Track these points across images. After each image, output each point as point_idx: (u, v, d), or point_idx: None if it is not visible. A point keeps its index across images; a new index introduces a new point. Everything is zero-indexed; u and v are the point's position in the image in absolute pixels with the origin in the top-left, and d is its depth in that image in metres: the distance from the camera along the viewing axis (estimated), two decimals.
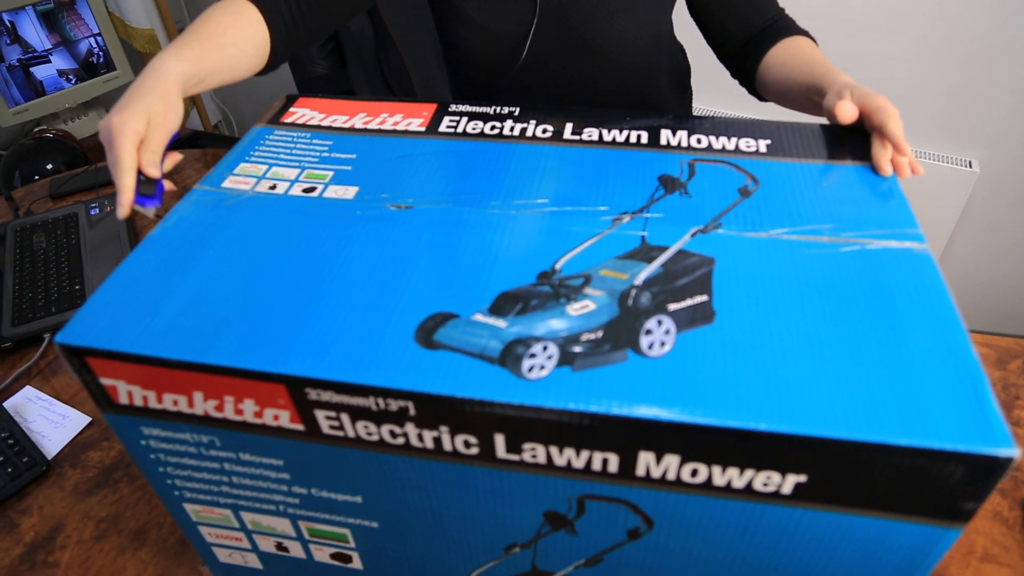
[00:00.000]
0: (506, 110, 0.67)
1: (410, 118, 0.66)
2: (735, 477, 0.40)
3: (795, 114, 0.77)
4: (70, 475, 0.79)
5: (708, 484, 0.41)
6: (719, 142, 0.61)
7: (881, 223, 0.52)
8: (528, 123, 0.64)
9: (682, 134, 0.62)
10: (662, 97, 0.98)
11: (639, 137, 0.62)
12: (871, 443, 0.37)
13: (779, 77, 0.79)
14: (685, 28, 0.95)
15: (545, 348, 0.42)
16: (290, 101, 0.70)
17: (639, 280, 0.47)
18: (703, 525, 0.44)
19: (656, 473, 0.41)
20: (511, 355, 0.42)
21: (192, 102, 2.43)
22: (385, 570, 0.57)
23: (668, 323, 0.44)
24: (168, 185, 0.60)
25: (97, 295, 0.48)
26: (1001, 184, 1.65)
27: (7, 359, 0.95)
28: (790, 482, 0.40)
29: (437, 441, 0.43)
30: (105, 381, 0.46)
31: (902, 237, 0.50)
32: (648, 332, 0.43)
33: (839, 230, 0.51)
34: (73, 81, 2.11)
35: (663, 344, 0.42)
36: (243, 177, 0.59)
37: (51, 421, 0.85)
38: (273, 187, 0.58)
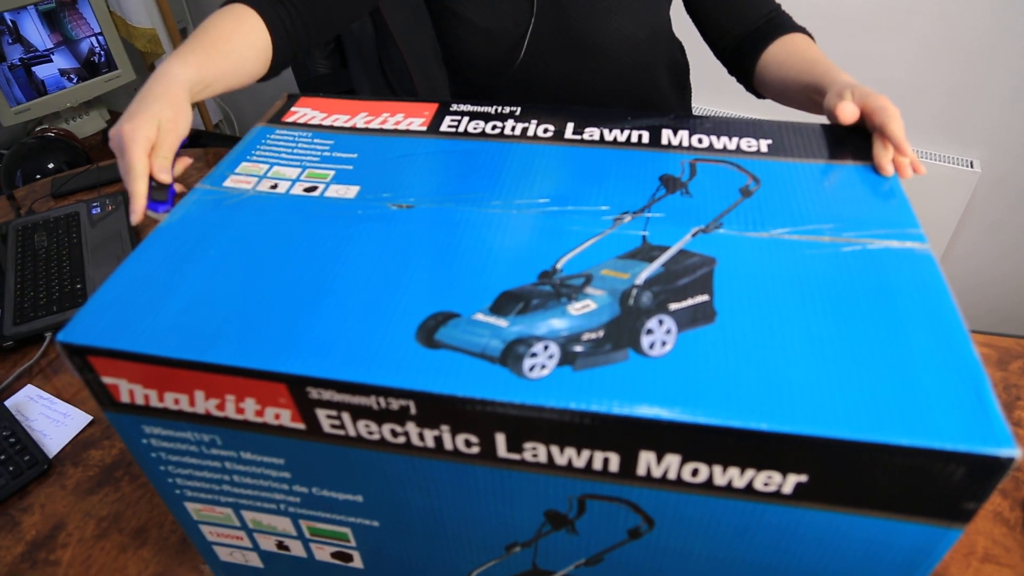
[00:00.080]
0: (507, 110, 0.67)
1: (411, 118, 0.66)
2: (736, 477, 0.40)
3: (795, 113, 0.77)
4: (71, 474, 0.79)
5: (709, 484, 0.41)
6: (720, 142, 0.61)
7: (882, 223, 0.52)
8: (529, 123, 0.64)
9: (683, 134, 0.62)
10: (661, 95, 0.98)
11: (640, 137, 0.62)
12: (872, 443, 0.37)
13: (778, 76, 0.79)
14: (684, 25, 0.95)
15: (546, 347, 0.42)
16: (291, 100, 0.70)
17: (640, 280, 0.47)
18: (704, 525, 0.44)
19: (657, 473, 0.41)
20: (512, 354, 0.42)
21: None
22: (386, 569, 0.57)
23: (669, 323, 0.44)
24: (179, 188, 0.61)
25: (99, 294, 0.48)
26: (1002, 184, 1.65)
27: (8, 358, 0.95)
28: (791, 482, 0.40)
29: (438, 440, 0.43)
30: (107, 380, 0.46)
31: (903, 237, 0.50)
32: (649, 332, 0.43)
33: (840, 230, 0.51)
34: (75, 80, 2.12)
35: (664, 344, 0.42)
36: (244, 176, 0.59)
37: (52, 420, 0.85)
38: (274, 186, 0.58)
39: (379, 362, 0.42)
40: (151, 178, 0.58)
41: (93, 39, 2.12)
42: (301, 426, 0.45)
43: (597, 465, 0.42)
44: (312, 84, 1.89)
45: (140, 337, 0.44)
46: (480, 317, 0.44)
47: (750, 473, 0.40)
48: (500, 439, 0.42)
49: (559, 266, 0.48)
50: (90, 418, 0.86)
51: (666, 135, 0.62)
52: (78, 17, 2.06)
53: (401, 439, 0.44)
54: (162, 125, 0.59)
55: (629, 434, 0.40)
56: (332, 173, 0.59)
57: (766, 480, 0.40)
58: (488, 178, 0.58)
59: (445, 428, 0.42)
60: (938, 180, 1.64)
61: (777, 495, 0.41)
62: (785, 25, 0.82)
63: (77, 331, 0.45)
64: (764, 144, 0.61)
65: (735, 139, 0.61)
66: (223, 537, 0.58)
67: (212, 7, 0.72)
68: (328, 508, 0.52)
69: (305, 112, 0.68)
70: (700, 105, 1.80)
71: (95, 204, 1.22)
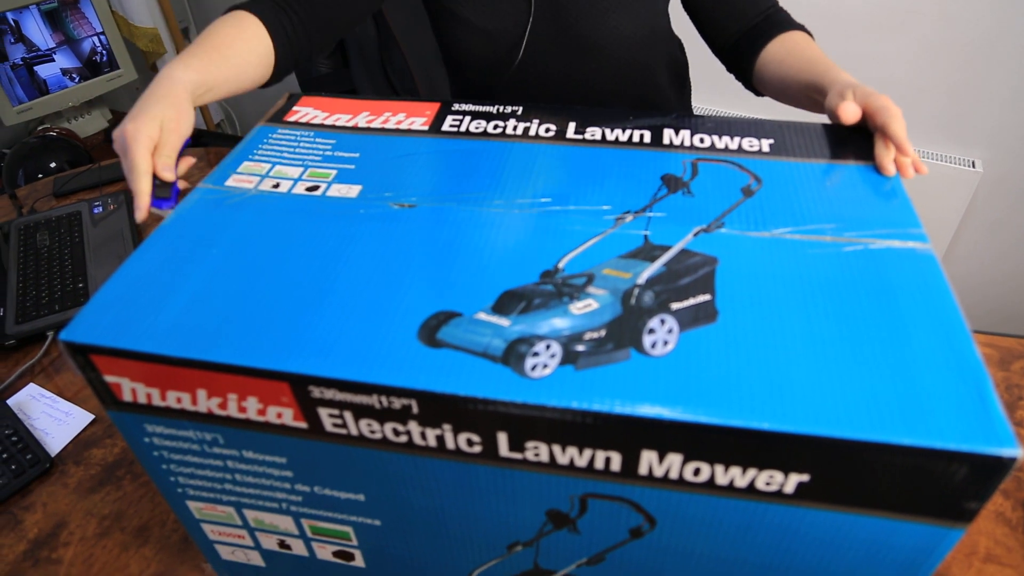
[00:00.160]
0: (509, 109, 0.67)
1: (413, 117, 0.66)
2: (738, 476, 0.40)
3: (796, 112, 0.77)
4: (73, 472, 0.80)
5: (711, 483, 0.41)
6: (722, 141, 0.61)
7: (884, 223, 0.52)
8: (531, 122, 0.64)
9: (685, 133, 0.62)
10: (661, 93, 0.98)
11: (642, 136, 0.62)
12: (874, 443, 0.37)
13: (777, 74, 0.79)
14: (683, 23, 0.94)
15: (548, 347, 0.42)
16: (293, 100, 0.70)
17: (642, 279, 0.47)
18: (705, 524, 0.44)
19: (659, 472, 0.41)
20: (514, 353, 0.42)
21: None
22: (387, 568, 0.57)
23: (671, 322, 0.44)
24: (183, 185, 0.62)
25: (101, 293, 0.48)
26: (1004, 184, 1.65)
27: (11, 357, 0.95)
28: (792, 481, 0.40)
29: (440, 439, 0.43)
30: (109, 378, 0.46)
31: (905, 237, 0.50)
32: (651, 331, 0.43)
33: (842, 230, 0.51)
34: (76, 80, 2.12)
35: (666, 343, 0.43)
36: (246, 176, 0.59)
37: (54, 418, 0.86)
38: (276, 185, 0.58)
39: (381, 361, 0.42)
40: (155, 176, 0.59)
41: (95, 38, 2.12)
42: (303, 425, 0.45)
43: (599, 464, 0.42)
44: (314, 84, 1.89)
45: (142, 336, 0.45)
46: (482, 316, 0.45)
47: (752, 472, 0.40)
48: (502, 438, 0.42)
49: (561, 265, 0.48)
50: (92, 417, 0.86)
51: (668, 135, 0.62)
52: (80, 16, 2.07)
53: (403, 438, 0.44)
54: (164, 125, 0.60)
55: (631, 433, 0.40)
56: (334, 172, 0.59)
57: (768, 480, 0.40)
58: (490, 177, 0.58)
59: (447, 427, 0.42)
60: (940, 180, 1.64)
61: (779, 495, 0.41)
62: (784, 23, 0.82)
63: (80, 330, 0.45)
64: (766, 144, 0.61)
65: (737, 139, 0.61)
66: (225, 536, 0.58)
67: (214, 6, 0.73)
68: (330, 507, 0.52)
69: (307, 111, 0.68)
70: (700, 104, 1.80)
71: (97, 203, 1.22)
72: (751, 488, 0.41)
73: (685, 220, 0.52)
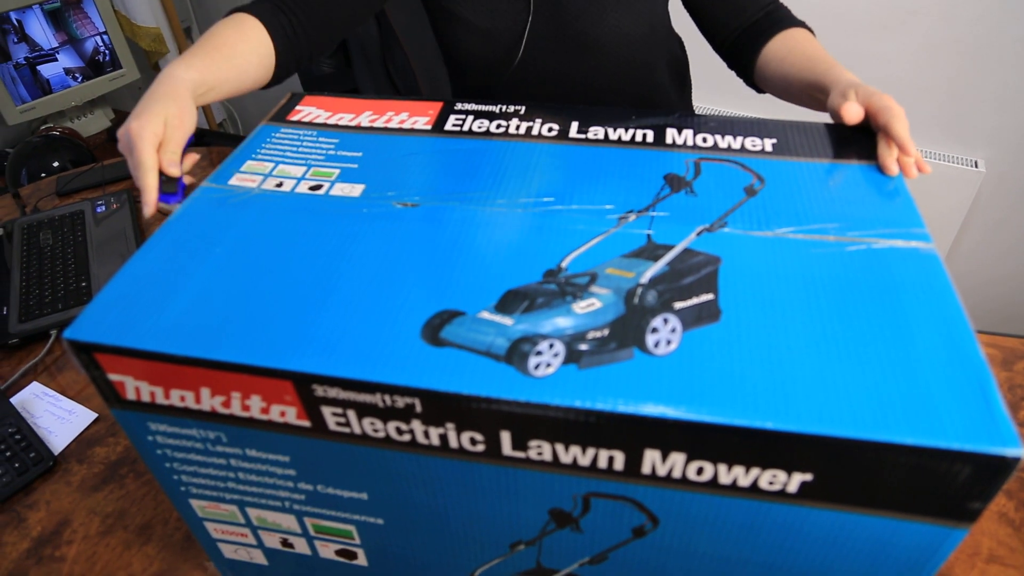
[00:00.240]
0: (512, 109, 0.67)
1: (416, 116, 0.66)
2: (741, 475, 0.40)
3: (798, 111, 0.77)
4: (76, 470, 0.80)
5: (714, 482, 0.41)
6: (725, 141, 0.61)
7: (887, 222, 0.52)
8: (534, 121, 0.64)
9: (688, 133, 0.62)
10: (661, 91, 0.98)
11: (645, 136, 0.62)
12: (877, 442, 0.37)
13: (779, 72, 0.79)
14: (684, 21, 0.94)
15: (551, 346, 0.42)
16: (296, 99, 0.70)
17: (645, 278, 0.47)
18: (708, 523, 0.44)
19: (662, 471, 0.41)
20: (517, 352, 0.42)
21: None
22: (390, 567, 0.57)
23: (674, 321, 0.44)
24: (188, 179, 0.62)
25: (105, 291, 0.48)
26: (1007, 184, 1.65)
27: (14, 355, 0.95)
28: (796, 481, 0.40)
29: (443, 438, 0.43)
30: (113, 377, 0.46)
31: (908, 236, 0.50)
32: (654, 330, 0.43)
33: (845, 229, 0.51)
34: (79, 79, 2.12)
35: (669, 342, 0.43)
36: (249, 175, 0.59)
37: (58, 417, 0.86)
38: (279, 184, 0.58)
39: (385, 360, 0.42)
40: (161, 172, 0.60)
41: (98, 38, 2.12)
42: (306, 423, 0.45)
43: (602, 463, 0.42)
44: (316, 83, 1.90)
45: (146, 334, 0.45)
46: (485, 315, 0.45)
47: (755, 472, 0.40)
48: (505, 437, 0.42)
49: (564, 265, 0.48)
50: (95, 415, 0.86)
51: (671, 134, 0.62)
52: (83, 16, 2.07)
53: (406, 437, 0.44)
54: (168, 121, 0.61)
55: (634, 432, 0.40)
56: (337, 171, 0.59)
57: (771, 479, 0.40)
58: (492, 177, 0.58)
59: (450, 426, 0.42)
60: (942, 180, 1.63)
61: (782, 494, 0.41)
62: (785, 19, 0.82)
63: (84, 328, 0.45)
64: (769, 143, 0.60)
65: (740, 138, 0.61)
66: (228, 534, 0.59)
67: (216, 6, 0.73)
68: (333, 506, 0.52)
69: (310, 111, 0.68)
70: (701, 103, 1.80)
71: (100, 202, 1.22)
72: (754, 487, 0.41)
73: (688, 219, 0.52)
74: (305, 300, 0.46)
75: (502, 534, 0.50)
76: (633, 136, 0.62)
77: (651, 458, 0.41)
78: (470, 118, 0.65)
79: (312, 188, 0.57)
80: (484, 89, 0.95)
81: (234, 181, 0.59)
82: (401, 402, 0.42)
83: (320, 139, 0.64)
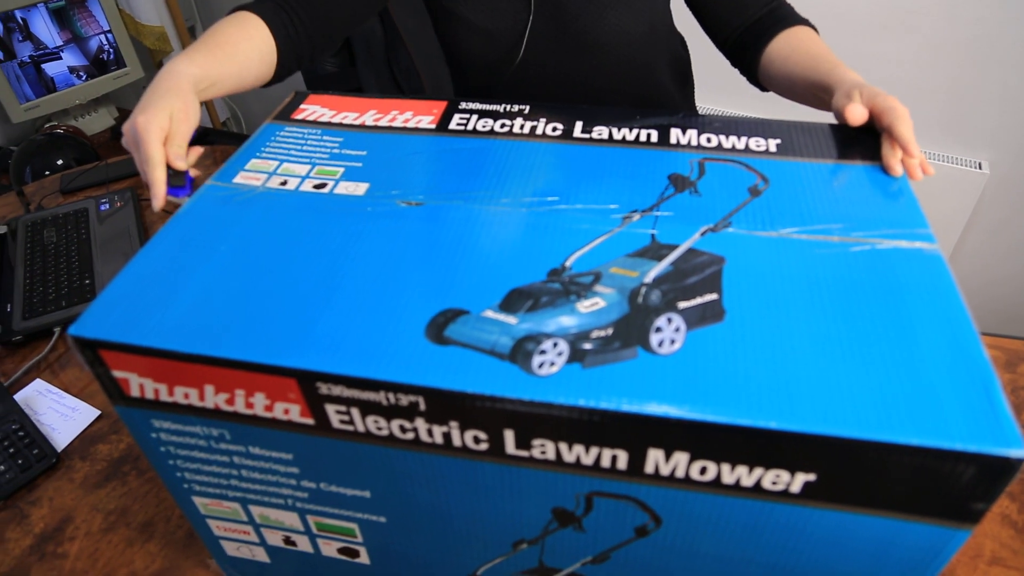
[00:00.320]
0: (516, 108, 0.67)
1: (420, 115, 0.66)
2: (744, 475, 0.40)
3: (802, 110, 0.77)
4: (79, 467, 0.80)
5: (717, 482, 0.41)
6: (729, 141, 0.61)
7: (891, 223, 0.52)
8: (538, 121, 0.65)
9: (692, 133, 0.62)
10: (663, 91, 0.98)
11: (649, 136, 0.62)
12: (881, 442, 0.37)
13: (783, 71, 0.79)
14: (686, 20, 0.94)
15: (555, 345, 0.42)
16: (300, 98, 0.71)
17: (649, 278, 0.47)
18: (711, 523, 0.44)
19: (665, 470, 0.41)
20: (521, 351, 0.42)
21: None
22: (392, 565, 0.57)
23: (678, 321, 0.44)
24: (195, 172, 0.63)
25: (110, 288, 0.48)
26: (1011, 186, 1.65)
27: (18, 352, 0.96)
28: (799, 481, 0.40)
29: (447, 436, 0.43)
30: (117, 374, 0.47)
31: (912, 237, 0.50)
32: (658, 330, 0.43)
33: (849, 230, 0.51)
34: (84, 78, 2.13)
35: (673, 342, 0.43)
36: (254, 173, 0.59)
37: (61, 414, 0.86)
38: (284, 183, 0.58)
39: (389, 358, 0.42)
40: (168, 167, 0.60)
41: (102, 37, 2.12)
42: (310, 421, 0.45)
43: (605, 462, 0.42)
44: (320, 82, 1.90)
45: (151, 331, 0.45)
46: (489, 314, 0.45)
47: (758, 472, 0.40)
48: (509, 436, 0.42)
49: (568, 264, 0.49)
50: (98, 412, 0.86)
51: (675, 134, 0.62)
52: (87, 15, 2.07)
53: (410, 435, 0.44)
54: (174, 115, 0.61)
55: (638, 432, 0.40)
56: (341, 170, 0.59)
57: (774, 479, 0.40)
58: (497, 176, 0.58)
59: (454, 424, 0.42)
60: (946, 181, 1.63)
61: (785, 494, 0.41)
62: (788, 17, 0.81)
63: (88, 325, 0.45)
64: (773, 144, 0.60)
65: (744, 138, 0.61)
66: (230, 532, 0.59)
67: (220, 5, 0.73)
68: (336, 504, 0.52)
69: (314, 109, 0.68)
70: (704, 103, 1.80)
71: (104, 200, 1.22)
72: (757, 487, 0.41)
73: (692, 219, 0.52)
74: (309, 298, 0.47)
75: (505, 533, 0.50)
76: (637, 136, 0.62)
77: (654, 457, 0.41)
78: (474, 117, 0.65)
79: (316, 187, 0.57)
80: (485, 89, 0.96)
81: (239, 179, 0.59)
82: (405, 400, 0.42)
83: (324, 138, 0.64)
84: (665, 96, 0.98)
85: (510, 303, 0.45)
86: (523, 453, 0.43)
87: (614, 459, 0.42)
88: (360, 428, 0.45)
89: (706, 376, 0.40)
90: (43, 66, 2.03)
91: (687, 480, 0.42)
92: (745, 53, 0.84)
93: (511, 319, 0.44)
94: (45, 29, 2.00)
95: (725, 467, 0.40)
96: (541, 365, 0.41)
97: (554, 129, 0.63)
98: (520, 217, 0.53)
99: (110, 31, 2.13)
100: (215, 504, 0.56)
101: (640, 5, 0.86)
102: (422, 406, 0.42)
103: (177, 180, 0.60)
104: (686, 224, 0.52)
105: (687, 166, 0.58)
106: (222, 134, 2.36)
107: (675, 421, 0.39)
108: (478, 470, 0.45)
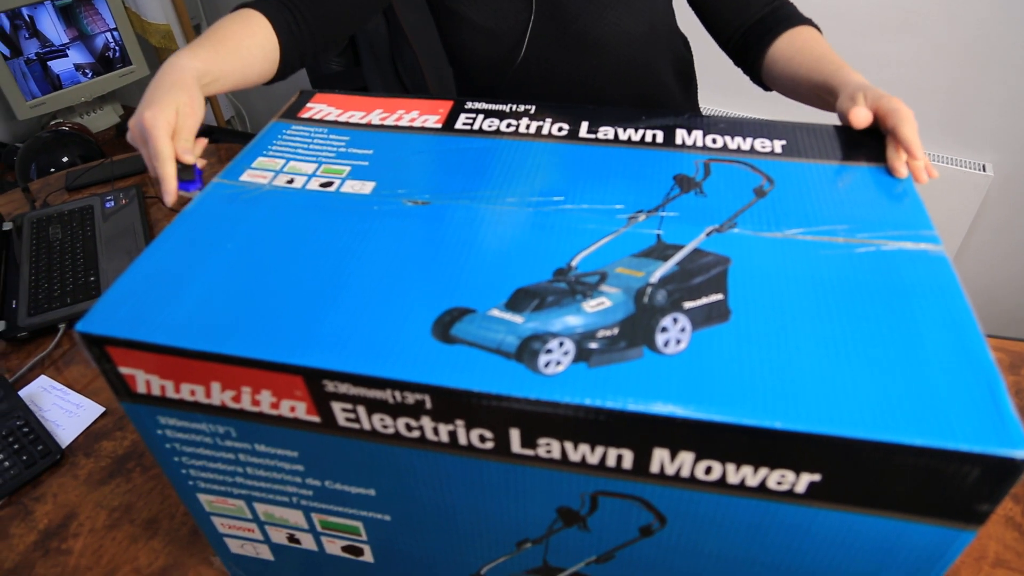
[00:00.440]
0: (522, 108, 0.67)
1: (426, 115, 0.66)
2: (749, 475, 0.40)
3: (806, 111, 0.77)
4: (84, 464, 0.80)
5: (722, 482, 0.41)
6: (734, 142, 0.61)
7: (896, 224, 0.52)
8: (544, 121, 0.65)
9: (697, 134, 0.62)
10: (665, 90, 0.98)
11: (654, 136, 0.62)
12: (886, 443, 0.37)
13: (787, 72, 0.79)
14: (690, 20, 0.94)
15: (561, 344, 0.42)
16: (307, 96, 0.71)
17: (655, 278, 0.47)
18: (716, 523, 0.44)
19: (670, 470, 0.42)
20: (527, 350, 0.42)
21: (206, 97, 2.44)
22: (396, 563, 0.57)
23: (683, 321, 0.44)
24: (201, 163, 0.63)
25: (117, 285, 0.48)
26: (1015, 188, 1.64)
27: (23, 348, 0.96)
28: (804, 481, 0.40)
29: (452, 435, 0.44)
30: (124, 370, 0.47)
31: (917, 239, 0.50)
32: (663, 330, 0.43)
33: (854, 231, 0.51)
34: (89, 75, 2.13)
35: (678, 342, 0.43)
36: (261, 171, 0.60)
37: (65, 410, 0.86)
38: (291, 181, 0.58)
39: (395, 356, 0.42)
40: (176, 161, 0.60)
41: (108, 34, 2.13)
42: (316, 419, 0.46)
43: (611, 462, 0.42)
44: (325, 82, 1.90)
45: (158, 328, 0.45)
46: (496, 313, 0.45)
47: (763, 472, 0.40)
48: (514, 435, 0.42)
49: (574, 263, 0.49)
50: (102, 409, 0.86)
51: (680, 135, 0.62)
52: (94, 13, 2.08)
53: (416, 433, 0.44)
54: (180, 110, 0.61)
55: (643, 431, 0.40)
56: (348, 169, 0.59)
57: (779, 479, 0.40)
58: (503, 175, 0.58)
59: (460, 423, 0.43)
60: (950, 183, 1.63)
61: (790, 494, 0.41)
62: (791, 17, 0.81)
63: (96, 321, 0.45)
64: (778, 145, 0.61)
65: (749, 139, 0.61)
66: (235, 529, 0.59)
67: (225, 3, 0.74)
68: (340, 502, 0.52)
69: (321, 108, 0.68)
70: (708, 104, 1.80)
71: (109, 197, 1.23)
72: (762, 487, 0.41)
73: (698, 220, 0.52)
74: (316, 296, 0.47)
75: (509, 532, 0.50)
76: (643, 136, 0.62)
77: (660, 457, 0.41)
78: (480, 117, 0.66)
79: (323, 185, 0.58)
80: (488, 88, 0.96)
81: (245, 177, 0.59)
82: (411, 398, 0.42)
83: (331, 136, 0.64)
84: (667, 96, 0.98)
85: (516, 302, 0.45)
86: (528, 452, 0.43)
87: (619, 458, 0.42)
88: (366, 426, 0.45)
89: (711, 376, 0.40)
90: (49, 63, 2.03)
91: (692, 480, 0.42)
92: (748, 53, 0.84)
93: (517, 318, 0.44)
94: (52, 26, 2.01)
95: (730, 467, 0.40)
96: (547, 364, 0.41)
97: (560, 129, 0.64)
98: (526, 217, 0.53)
99: (116, 29, 2.13)
100: (220, 501, 0.56)
101: (640, 5, 0.87)
102: (428, 404, 0.42)
103: (186, 174, 0.60)
104: (692, 224, 0.52)
105: (692, 167, 0.58)
106: (226, 132, 2.36)
107: (680, 421, 0.39)
108: (483, 469, 0.45)
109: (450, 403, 0.42)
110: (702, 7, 0.89)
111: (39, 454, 0.80)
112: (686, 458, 0.41)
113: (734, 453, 0.40)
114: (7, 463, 0.79)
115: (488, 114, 0.66)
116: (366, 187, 0.57)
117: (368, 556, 0.57)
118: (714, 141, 0.61)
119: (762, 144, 0.61)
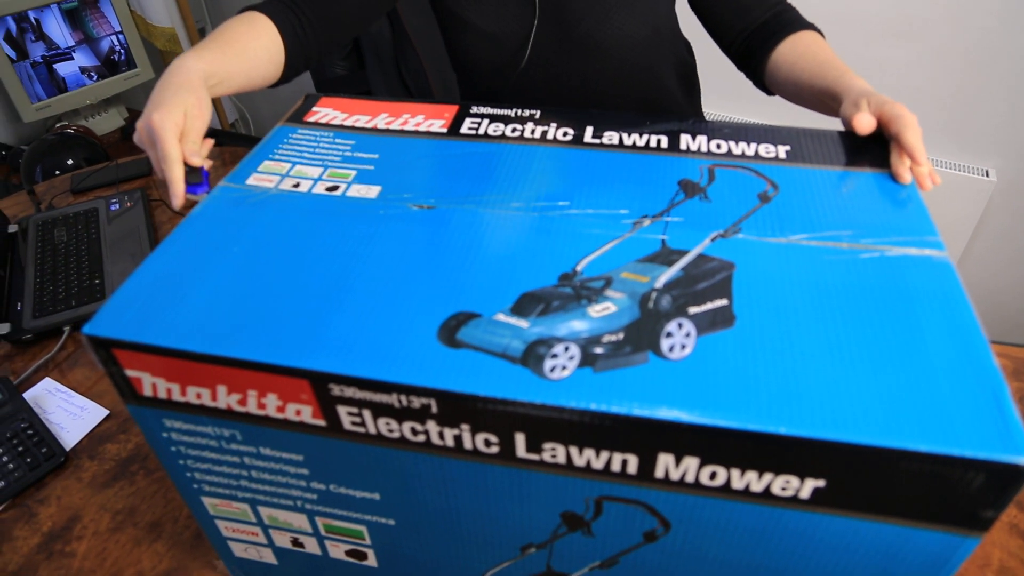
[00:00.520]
0: (527, 113, 0.67)
1: (432, 119, 0.67)
2: (753, 481, 0.40)
3: (810, 116, 0.77)
4: (87, 467, 0.80)
5: (726, 487, 0.41)
6: (739, 147, 0.61)
7: (900, 230, 0.52)
8: (549, 126, 0.65)
9: (702, 139, 0.63)
10: (668, 95, 0.98)
11: (659, 141, 0.62)
12: (890, 449, 0.37)
13: (790, 77, 0.79)
14: (693, 25, 0.94)
15: (567, 349, 0.43)
16: (312, 100, 0.71)
17: (659, 283, 0.47)
18: (720, 528, 0.44)
19: (675, 475, 0.42)
20: (533, 355, 0.42)
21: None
22: (400, 568, 0.57)
23: (688, 326, 0.44)
24: (207, 164, 0.63)
25: (124, 288, 0.48)
26: (1018, 193, 1.64)
27: (28, 351, 0.96)
28: (808, 487, 0.40)
29: (457, 439, 0.44)
30: (130, 373, 0.47)
31: (922, 244, 0.50)
32: (668, 335, 0.43)
33: (859, 236, 0.51)
34: (95, 78, 2.14)
35: (683, 347, 0.43)
36: (267, 175, 0.60)
37: (69, 413, 0.86)
38: (296, 185, 0.58)
39: (401, 360, 0.42)
40: (184, 164, 0.60)
41: (113, 38, 2.14)
42: (322, 423, 0.46)
43: (615, 467, 0.42)
44: (329, 85, 1.91)
45: (164, 331, 0.45)
46: (501, 318, 0.45)
47: (768, 477, 0.40)
48: (519, 439, 0.42)
49: (579, 268, 0.49)
50: (106, 412, 0.86)
51: (685, 140, 0.63)
52: (99, 16, 2.09)
53: (421, 438, 0.44)
54: (188, 112, 0.61)
55: (648, 436, 0.40)
56: (354, 173, 0.60)
57: (784, 484, 0.40)
58: (508, 180, 0.58)
59: (465, 427, 0.43)
60: (953, 189, 1.63)
61: (794, 500, 0.41)
62: (794, 22, 0.81)
63: (103, 324, 0.46)
64: (782, 150, 0.61)
65: (753, 145, 0.61)
66: (239, 533, 0.59)
67: (230, 6, 0.74)
68: (345, 506, 0.52)
69: (326, 112, 0.68)
70: (710, 110, 1.80)
71: (114, 200, 1.23)
72: (767, 493, 0.41)
73: (702, 225, 0.52)
74: (322, 300, 0.47)
75: (513, 537, 0.51)
76: (648, 142, 0.62)
77: (664, 462, 0.41)
78: (485, 121, 0.66)
79: (329, 189, 0.58)
80: (491, 92, 0.96)
81: (251, 181, 0.59)
82: (417, 402, 0.42)
83: (337, 140, 0.64)
84: (670, 100, 0.99)
85: (522, 307, 0.46)
86: (533, 457, 0.43)
87: (624, 463, 0.42)
88: (371, 430, 0.45)
89: (716, 381, 0.40)
90: (55, 66, 2.04)
91: (697, 485, 0.42)
92: (751, 57, 0.84)
93: (523, 323, 0.44)
94: (57, 29, 2.01)
95: (735, 472, 0.40)
96: (552, 369, 0.42)
97: (565, 134, 0.64)
98: (531, 221, 0.53)
99: (121, 32, 2.14)
100: (224, 505, 0.56)
101: (643, 9, 0.87)
102: (434, 408, 0.42)
103: (194, 177, 0.60)
104: (696, 230, 0.52)
105: (697, 172, 0.58)
106: (231, 136, 2.37)
107: (685, 426, 0.39)
108: (488, 473, 0.45)
109: (455, 407, 0.42)
110: (705, 11, 0.89)
111: (43, 456, 0.80)
112: (691, 463, 0.41)
113: (739, 458, 0.40)
114: (11, 465, 0.79)
115: (493, 119, 0.66)
116: (372, 191, 0.57)
117: (372, 560, 0.57)
118: (718, 146, 0.61)
119: (766, 149, 0.61)
